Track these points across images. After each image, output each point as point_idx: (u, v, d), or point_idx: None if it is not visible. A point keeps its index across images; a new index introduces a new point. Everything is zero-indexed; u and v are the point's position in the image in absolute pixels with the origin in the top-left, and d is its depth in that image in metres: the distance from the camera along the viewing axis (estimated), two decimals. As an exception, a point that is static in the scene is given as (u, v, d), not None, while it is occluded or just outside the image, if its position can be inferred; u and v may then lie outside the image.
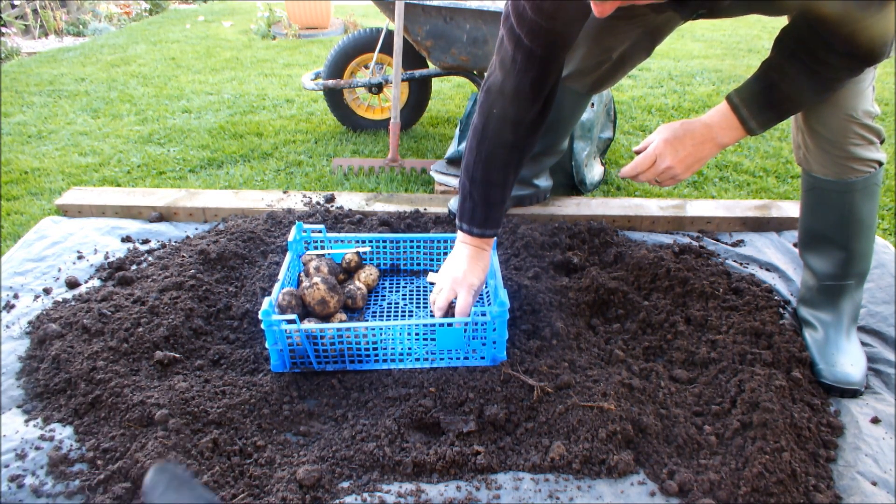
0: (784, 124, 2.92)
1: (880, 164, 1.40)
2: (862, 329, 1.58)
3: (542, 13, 1.25)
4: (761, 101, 1.27)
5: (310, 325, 1.36)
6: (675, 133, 1.34)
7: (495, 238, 1.53)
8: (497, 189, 1.43)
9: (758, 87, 1.27)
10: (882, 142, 1.40)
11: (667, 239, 1.99)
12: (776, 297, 1.67)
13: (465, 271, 1.45)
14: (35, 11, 5.68)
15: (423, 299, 1.68)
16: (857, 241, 1.45)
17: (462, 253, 1.48)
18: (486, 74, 1.40)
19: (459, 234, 1.49)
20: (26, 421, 1.26)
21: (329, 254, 1.72)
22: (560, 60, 1.37)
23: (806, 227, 1.54)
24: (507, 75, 1.34)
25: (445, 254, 1.78)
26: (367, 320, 1.58)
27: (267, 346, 1.35)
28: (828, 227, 1.47)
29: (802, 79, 1.23)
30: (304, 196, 2.17)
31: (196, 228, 2.03)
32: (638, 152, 1.39)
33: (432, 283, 1.73)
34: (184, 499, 0.62)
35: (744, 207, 2.10)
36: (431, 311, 1.47)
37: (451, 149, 2.35)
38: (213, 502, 0.61)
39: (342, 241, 1.75)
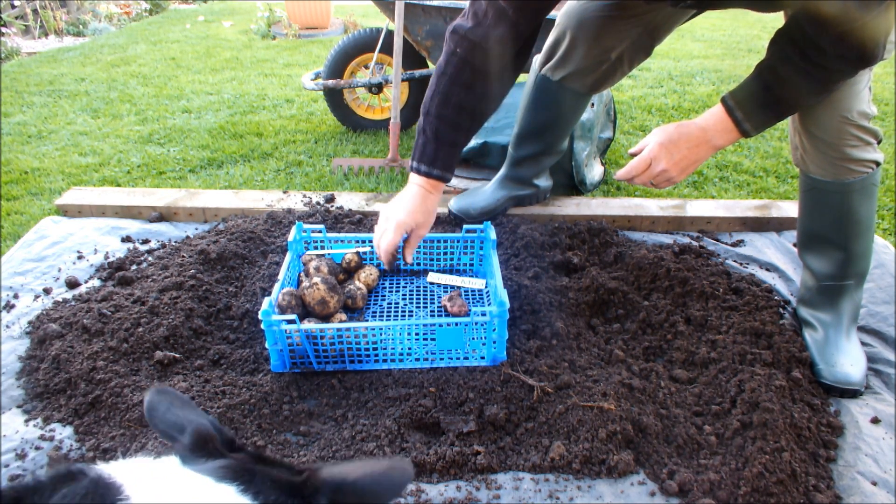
0: (783, 124, 2.93)
1: (877, 164, 1.40)
2: (862, 329, 1.58)
3: None
4: (756, 103, 1.28)
5: (310, 325, 1.36)
6: (669, 136, 1.34)
7: (491, 227, 1.53)
8: (449, 128, 1.42)
9: (752, 89, 1.28)
10: (879, 142, 1.40)
11: (667, 239, 1.99)
12: (776, 297, 1.67)
13: (406, 210, 1.45)
14: (35, 11, 5.68)
15: (424, 299, 1.68)
16: (855, 241, 1.45)
17: (409, 191, 1.47)
18: (456, 19, 1.41)
19: (411, 175, 1.48)
20: (26, 421, 1.26)
21: (329, 254, 1.72)
22: (531, 27, 1.40)
23: (804, 228, 1.54)
24: (476, 25, 1.37)
25: (445, 254, 1.78)
26: (367, 320, 1.58)
27: (267, 346, 1.35)
28: (826, 227, 1.48)
29: (797, 81, 1.23)
30: (304, 196, 2.17)
31: (196, 228, 2.03)
32: (634, 154, 1.39)
33: (433, 283, 1.74)
34: (190, 415, 0.63)
35: (744, 207, 2.10)
36: (386, 256, 1.47)
37: (451, 149, 2.35)
38: (214, 422, 0.63)
39: (342, 241, 1.75)
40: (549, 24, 1.78)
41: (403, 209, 1.46)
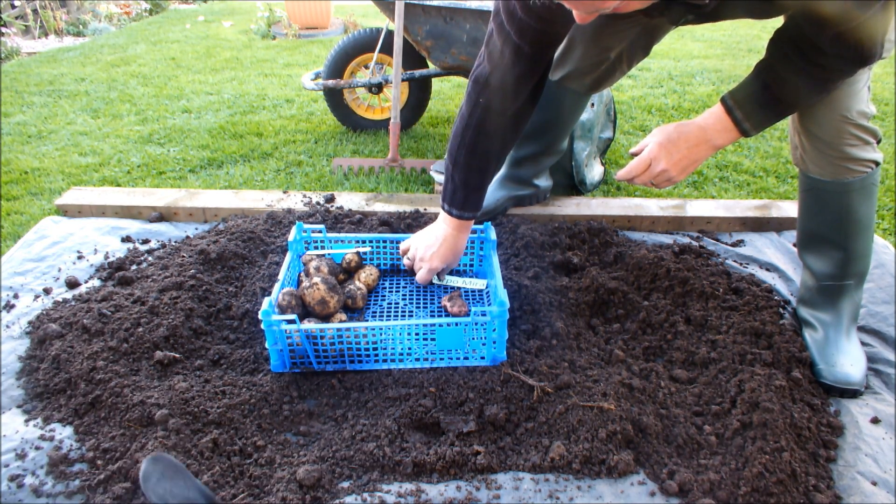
0: (783, 124, 2.93)
1: (877, 164, 1.40)
2: (862, 329, 1.58)
3: (531, 13, 1.27)
4: (755, 103, 1.28)
5: (310, 325, 1.36)
6: (669, 136, 1.35)
7: (491, 227, 1.61)
8: (477, 174, 1.51)
9: (751, 89, 1.28)
10: (879, 142, 1.40)
11: (667, 239, 1.99)
12: (776, 297, 1.67)
13: (437, 254, 1.59)
14: (35, 11, 5.68)
15: (424, 299, 1.68)
16: (855, 241, 1.45)
17: (440, 232, 1.59)
18: (475, 64, 1.45)
19: (441, 213, 1.58)
20: (26, 421, 1.26)
21: (329, 254, 1.72)
22: (548, 57, 1.42)
23: (804, 228, 1.54)
24: (494, 68, 1.38)
25: (445, 254, 1.78)
26: (367, 320, 1.58)
27: (267, 346, 1.35)
28: (825, 227, 1.48)
29: (795, 80, 1.24)
30: (304, 196, 2.17)
31: (196, 228, 2.03)
32: (634, 154, 1.40)
33: (432, 284, 1.74)
34: (178, 488, 0.64)
35: (744, 207, 2.10)
36: (412, 276, 1.66)
37: (451, 149, 2.35)
38: (205, 492, 0.63)
39: (342, 241, 1.75)
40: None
41: (439, 255, 1.59)
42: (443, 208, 1.55)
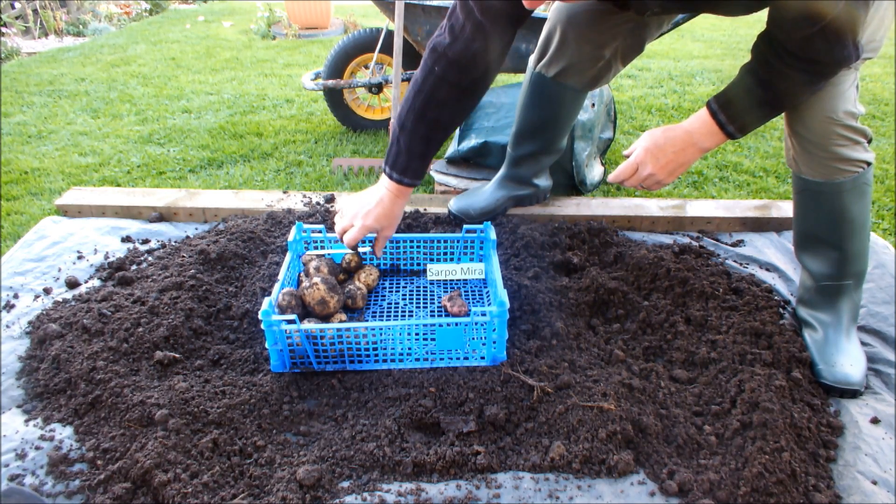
0: (781, 123, 2.93)
1: (868, 163, 1.40)
2: (862, 329, 1.58)
3: None
4: (739, 106, 1.30)
5: (310, 325, 1.36)
6: (655, 141, 1.37)
7: (491, 227, 1.57)
8: (422, 142, 1.50)
9: (735, 92, 1.30)
10: (869, 141, 1.40)
11: (667, 239, 1.99)
12: (776, 297, 1.67)
13: (371, 213, 1.54)
14: (35, 11, 5.68)
15: (424, 299, 1.68)
16: (850, 240, 1.46)
17: (378, 194, 1.55)
18: (435, 33, 1.46)
19: (382, 177, 1.56)
20: (26, 421, 1.26)
21: (329, 254, 1.72)
22: (508, 37, 1.45)
23: (799, 229, 1.54)
24: (454, 41, 1.41)
25: (445, 254, 1.78)
26: (367, 320, 1.58)
27: (267, 346, 1.35)
28: (820, 228, 1.48)
29: (777, 83, 1.25)
30: (304, 196, 2.17)
31: (196, 228, 2.03)
32: (627, 155, 1.42)
33: (432, 282, 1.74)
34: None
35: (744, 207, 2.10)
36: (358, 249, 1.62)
37: (451, 149, 2.35)
38: None
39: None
40: (540, 23, 1.79)
41: (372, 214, 1.55)
42: (384, 171, 1.54)
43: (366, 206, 1.55)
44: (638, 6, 1.36)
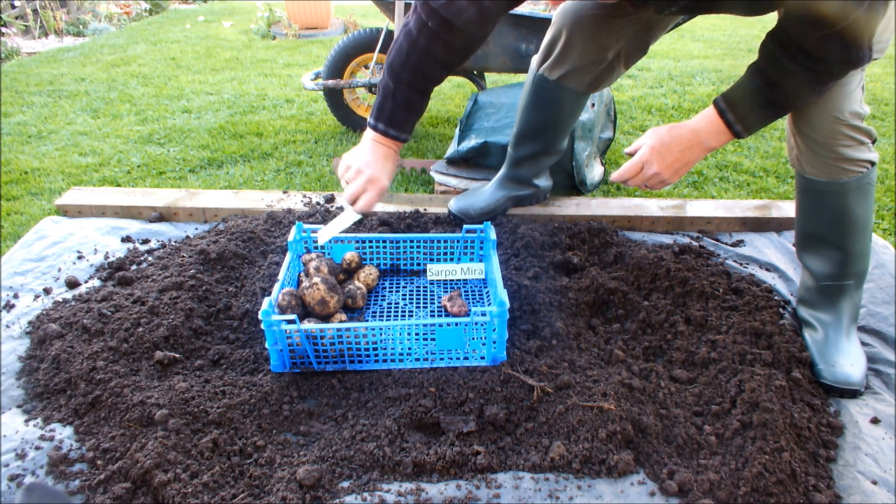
0: (782, 124, 2.93)
1: (872, 164, 1.40)
2: (862, 329, 1.58)
3: None
4: (747, 105, 1.29)
5: (310, 325, 1.36)
6: (661, 140, 1.36)
7: (491, 227, 1.53)
8: (418, 96, 1.48)
9: (744, 91, 1.29)
10: (874, 141, 1.40)
11: (667, 239, 1.99)
12: (776, 297, 1.67)
13: (381, 172, 1.49)
14: (35, 11, 5.68)
15: (423, 299, 1.68)
16: (852, 241, 1.45)
17: (376, 152, 1.50)
18: None
19: (373, 134, 1.50)
20: (26, 421, 1.26)
21: (329, 253, 1.72)
22: (503, 12, 1.42)
23: (802, 229, 1.54)
24: (449, 1, 1.36)
25: (445, 254, 1.78)
26: (367, 320, 1.58)
27: (267, 346, 1.35)
28: (823, 227, 1.48)
29: (786, 83, 1.24)
30: (304, 196, 2.17)
31: (196, 228, 2.03)
32: (629, 154, 1.40)
33: (432, 282, 1.74)
34: None
35: (744, 207, 2.10)
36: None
37: (451, 149, 2.35)
38: None
39: (342, 241, 1.75)
40: (545, 24, 1.78)
41: (384, 170, 1.49)
42: (376, 129, 1.49)
43: (377, 168, 1.49)
44: (658, 4, 1.34)
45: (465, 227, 1.73)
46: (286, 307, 1.45)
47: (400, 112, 1.48)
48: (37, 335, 1.48)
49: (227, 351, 1.45)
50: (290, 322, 1.32)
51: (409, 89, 1.46)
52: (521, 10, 2.29)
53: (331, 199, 2.14)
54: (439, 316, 1.61)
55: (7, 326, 1.54)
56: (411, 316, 1.62)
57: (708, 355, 1.44)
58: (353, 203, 1.50)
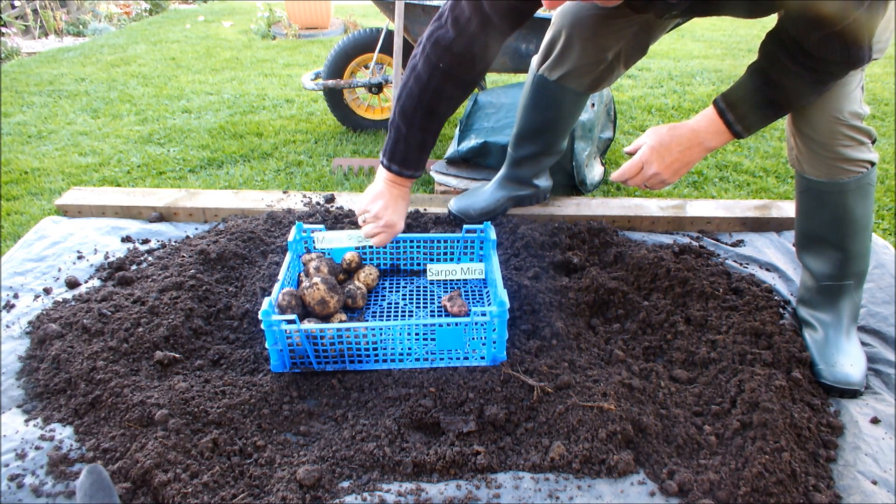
0: (781, 124, 2.93)
1: (872, 164, 1.40)
2: (862, 329, 1.58)
3: None
4: (747, 105, 1.29)
5: (310, 325, 1.36)
6: (661, 140, 1.36)
7: (491, 227, 1.56)
8: (431, 136, 1.53)
9: (743, 91, 1.29)
10: (874, 141, 1.40)
11: (667, 239, 1.99)
12: (776, 297, 1.67)
13: (397, 217, 1.56)
14: (35, 11, 5.68)
15: (423, 299, 1.68)
16: (852, 241, 1.45)
17: (392, 194, 1.55)
18: (433, 25, 1.44)
19: (387, 174, 1.54)
20: (26, 421, 1.26)
21: (329, 253, 1.73)
22: (510, 32, 1.45)
23: (801, 229, 1.54)
24: (459, 34, 1.39)
25: (445, 254, 1.78)
26: (367, 320, 1.58)
27: (267, 346, 1.35)
28: (823, 227, 1.48)
29: (786, 83, 1.24)
30: (304, 196, 2.17)
31: (196, 228, 2.03)
32: (629, 154, 1.40)
33: (432, 282, 1.74)
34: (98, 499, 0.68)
35: (744, 207, 2.10)
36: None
37: (451, 149, 2.35)
38: None
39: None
40: (545, 24, 1.78)
41: (399, 214, 1.57)
42: (390, 169, 1.53)
43: (386, 208, 1.54)
44: (660, 8, 1.35)
45: (465, 227, 1.73)
46: (286, 307, 1.45)
47: (413, 153, 1.51)
48: (37, 335, 1.48)
49: (227, 351, 1.45)
50: (290, 322, 1.32)
51: (421, 132, 1.49)
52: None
53: (331, 199, 2.14)
54: (439, 316, 1.61)
55: (7, 326, 1.54)
56: (411, 316, 1.62)
57: (708, 355, 1.44)
58: (373, 243, 1.58)
